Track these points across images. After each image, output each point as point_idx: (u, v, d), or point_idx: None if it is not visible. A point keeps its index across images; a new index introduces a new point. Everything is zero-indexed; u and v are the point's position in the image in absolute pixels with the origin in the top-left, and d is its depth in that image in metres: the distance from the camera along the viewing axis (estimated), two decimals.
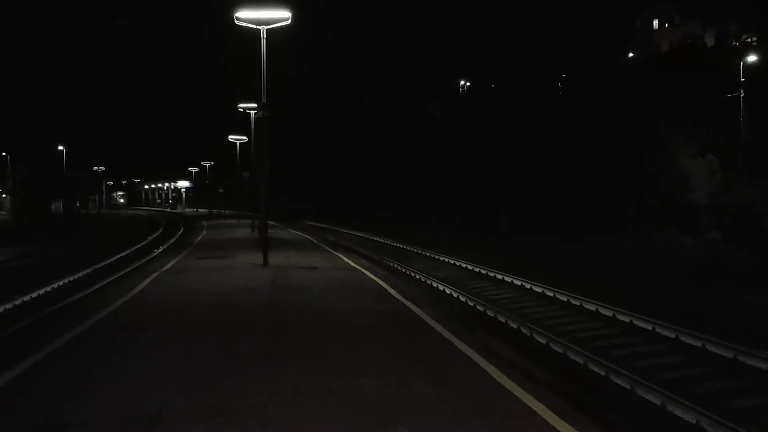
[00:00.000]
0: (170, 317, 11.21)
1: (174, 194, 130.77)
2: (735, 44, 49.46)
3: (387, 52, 65.15)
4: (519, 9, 48.01)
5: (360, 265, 19.57)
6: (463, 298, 16.23)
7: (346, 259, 21.56)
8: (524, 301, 15.99)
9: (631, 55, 59.10)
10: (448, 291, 17.41)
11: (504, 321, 13.47)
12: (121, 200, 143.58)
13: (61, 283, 18.77)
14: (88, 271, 21.70)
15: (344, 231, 41.73)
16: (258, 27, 18.17)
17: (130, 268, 21.92)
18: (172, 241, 35.12)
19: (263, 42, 18.33)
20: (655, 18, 62.91)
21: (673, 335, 11.31)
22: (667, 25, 62.13)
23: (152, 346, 8.97)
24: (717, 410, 7.82)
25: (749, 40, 49.47)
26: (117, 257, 26.32)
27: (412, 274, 20.78)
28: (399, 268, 22.26)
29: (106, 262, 24.29)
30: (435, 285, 18.52)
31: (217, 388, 6.91)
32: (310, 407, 6.33)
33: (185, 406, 6.38)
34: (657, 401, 8.36)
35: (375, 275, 17.00)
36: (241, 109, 32.54)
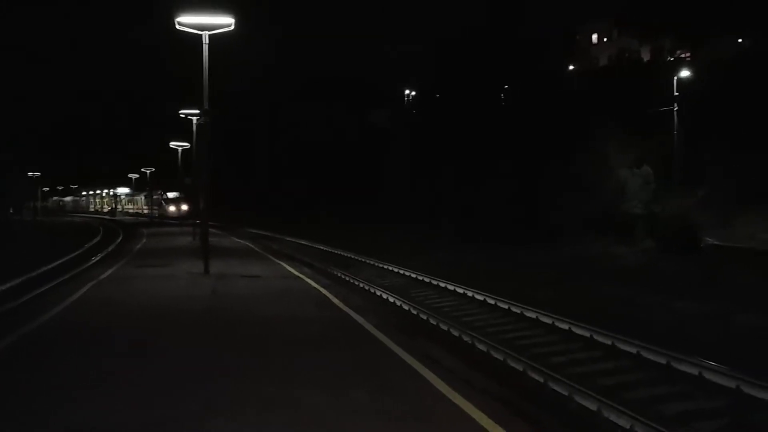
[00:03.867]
0: (105, 326, 10.91)
1: (114, 201, 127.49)
2: (670, 59, 51.08)
3: (333, 61, 65.09)
4: (464, 22, 48.73)
5: (303, 274, 19.46)
6: (406, 307, 16.28)
7: (288, 267, 21.41)
8: (466, 309, 16.18)
9: (571, 67, 60.66)
10: (391, 299, 17.44)
11: (446, 329, 13.58)
12: (64, 204, 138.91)
13: None
14: (21, 279, 20.96)
15: (287, 239, 41.36)
16: (200, 32, 17.91)
17: (67, 276, 21.28)
18: (110, 248, 34.24)
19: (205, 48, 18.09)
20: (594, 32, 64.64)
21: (609, 342, 11.64)
22: (605, 39, 63.88)
23: (83, 356, 8.72)
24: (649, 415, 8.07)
25: (683, 55, 51.14)
26: (53, 265, 25.51)
27: (356, 283, 20.75)
28: (343, 277, 22.20)
29: (40, 270, 23.53)
30: (378, 294, 18.54)
31: (152, 400, 6.76)
32: (249, 419, 6.23)
33: (118, 419, 6.21)
34: (593, 407, 8.54)
35: (318, 284, 16.92)
36: (183, 116, 31.99)
